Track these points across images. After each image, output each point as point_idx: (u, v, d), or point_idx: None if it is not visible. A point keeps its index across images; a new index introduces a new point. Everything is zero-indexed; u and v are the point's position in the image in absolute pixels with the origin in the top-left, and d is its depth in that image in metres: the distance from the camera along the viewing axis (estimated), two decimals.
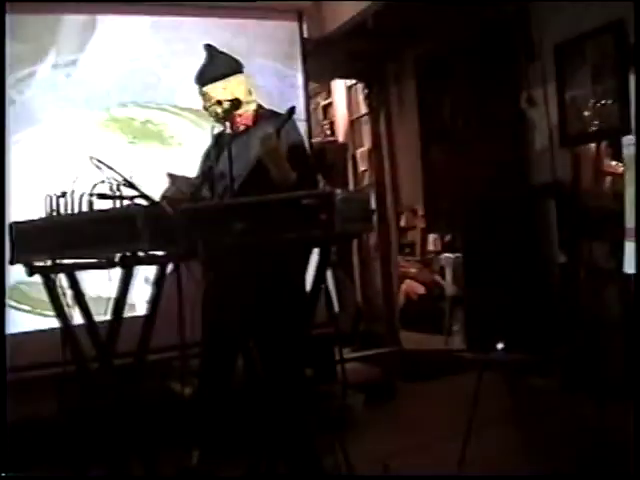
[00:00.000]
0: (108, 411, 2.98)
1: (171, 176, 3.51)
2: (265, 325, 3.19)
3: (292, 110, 3.32)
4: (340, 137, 7.97)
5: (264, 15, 5.19)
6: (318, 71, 6.17)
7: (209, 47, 3.68)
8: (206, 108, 3.63)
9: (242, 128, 3.61)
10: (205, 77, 3.62)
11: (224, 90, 3.57)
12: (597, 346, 4.39)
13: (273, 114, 3.59)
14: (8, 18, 4.19)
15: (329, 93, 8.14)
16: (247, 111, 3.62)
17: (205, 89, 3.60)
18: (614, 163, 4.76)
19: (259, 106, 3.69)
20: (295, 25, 5.38)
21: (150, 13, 4.94)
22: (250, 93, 3.66)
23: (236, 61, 3.68)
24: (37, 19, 4.62)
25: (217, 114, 3.53)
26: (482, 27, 5.72)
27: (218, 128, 3.53)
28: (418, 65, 6.60)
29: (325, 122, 8.23)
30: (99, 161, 2.84)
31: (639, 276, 3.31)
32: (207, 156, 3.63)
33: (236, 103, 3.50)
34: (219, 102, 3.52)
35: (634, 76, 4.18)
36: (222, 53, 3.69)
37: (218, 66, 3.63)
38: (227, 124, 3.51)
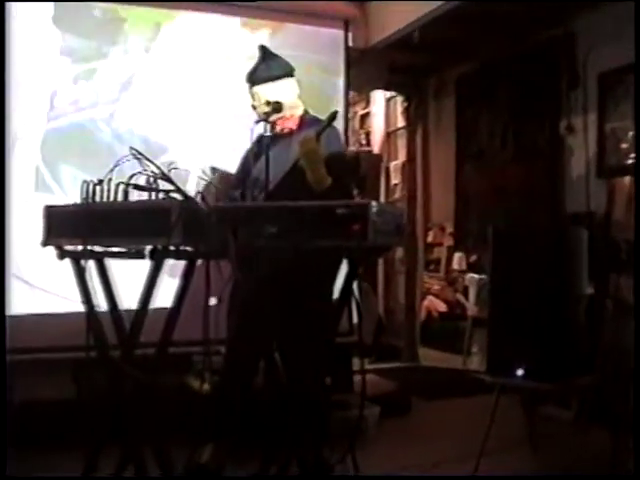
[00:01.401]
0: (125, 399, 2.99)
1: (214, 170, 3.54)
2: (290, 331, 3.19)
3: (334, 115, 3.34)
4: (375, 148, 7.98)
5: (312, 21, 5.20)
6: (359, 81, 6.17)
7: (263, 48, 3.72)
8: (254, 107, 3.65)
9: (286, 131, 3.63)
10: (257, 77, 3.65)
11: (274, 92, 3.60)
12: (618, 380, 4.35)
13: (317, 121, 3.61)
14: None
15: (367, 103, 8.16)
16: (293, 115, 3.65)
17: (255, 89, 3.63)
18: None
19: (305, 111, 3.71)
20: (341, 33, 5.39)
21: (193, 9, 4.97)
22: (298, 97, 3.69)
23: (288, 64, 3.71)
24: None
25: (265, 114, 3.55)
26: (527, 50, 5.71)
27: (258, 130, 3.55)
28: (459, 83, 6.61)
29: (361, 132, 8.24)
30: (138, 152, 2.86)
31: None
32: (247, 157, 3.65)
33: (277, 107, 3.52)
34: (268, 103, 3.55)
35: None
36: (275, 55, 3.72)
37: (271, 67, 3.66)
38: (269, 126, 3.52)
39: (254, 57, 3.74)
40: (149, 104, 4.81)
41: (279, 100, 3.56)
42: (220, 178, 3.55)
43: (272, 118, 3.52)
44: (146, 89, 4.81)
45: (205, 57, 4.94)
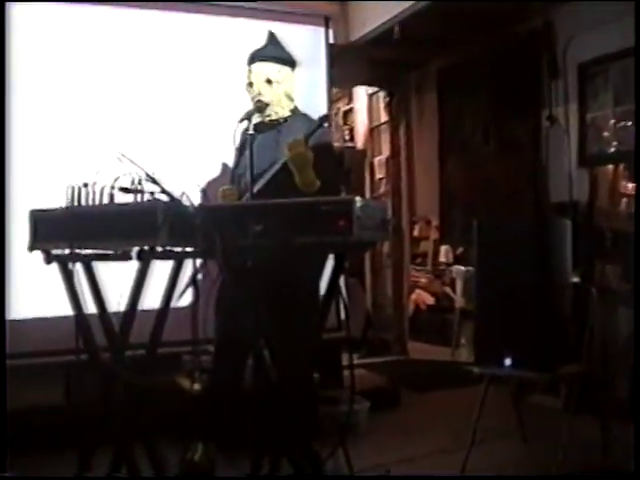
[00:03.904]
0: (116, 401, 3.00)
1: (224, 166, 3.58)
2: (278, 327, 3.20)
3: (324, 119, 3.37)
4: (359, 143, 8.01)
5: (291, 19, 5.21)
6: (341, 77, 6.19)
7: (272, 33, 3.76)
8: (251, 84, 3.66)
9: (273, 119, 3.64)
10: (264, 54, 3.68)
11: (277, 73, 3.63)
12: (605, 367, 4.39)
13: (305, 116, 3.64)
14: None
15: (350, 99, 8.19)
16: (286, 105, 3.67)
17: (258, 65, 3.64)
18: (630, 185, 4.76)
19: (295, 107, 3.74)
20: (321, 30, 5.40)
21: (170, 9, 4.96)
22: (294, 91, 3.73)
23: (292, 56, 3.76)
24: None
25: (260, 93, 3.57)
26: (507, 42, 5.74)
27: (242, 125, 3.56)
28: (441, 77, 6.63)
29: (345, 127, 8.26)
30: (122, 155, 2.87)
31: None
32: (239, 151, 3.69)
33: (261, 105, 3.56)
34: (269, 81, 3.58)
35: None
36: (281, 44, 3.77)
37: (280, 50, 3.72)
38: (253, 118, 3.53)
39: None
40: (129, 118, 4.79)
41: (267, 101, 3.59)
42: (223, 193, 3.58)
43: (255, 118, 3.53)
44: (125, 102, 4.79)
45: (181, 57, 4.92)
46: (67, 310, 3.17)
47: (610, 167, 4.96)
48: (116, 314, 3.08)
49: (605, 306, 4.40)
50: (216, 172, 4.51)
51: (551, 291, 3.85)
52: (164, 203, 2.75)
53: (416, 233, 7.15)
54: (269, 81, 3.59)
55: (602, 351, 4.35)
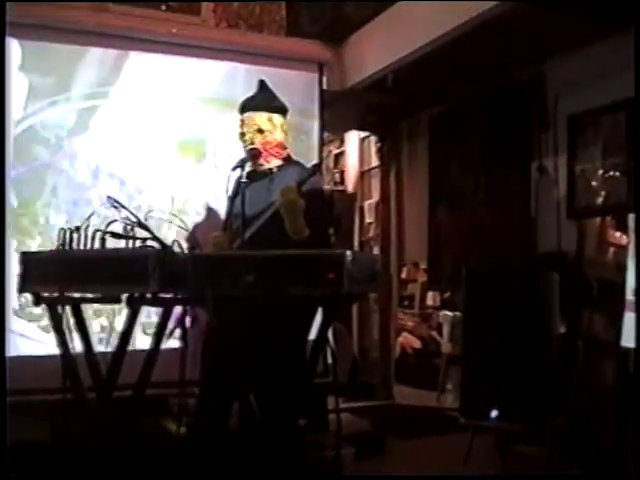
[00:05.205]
0: (102, 442, 3.00)
1: (209, 209, 3.59)
2: (264, 376, 3.21)
3: (316, 167, 3.40)
4: (349, 187, 8.04)
5: (285, 64, 5.27)
6: (333, 122, 6.24)
7: (262, 82, 3.80)
8: (243, 134, 3.68)
9: (265, 168, 3.67)
10: (255, 103, 3.71)
11: (268, 122, 3.65)
12: (591, 417, 4.39)
13: (298, 164, 3.67)
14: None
15: (342, 142, 8.22)
16: (278, 153, 3.69)
17: (249, 114, 3.67)
18: (618, 234, 4.80)
19: (288, 154, 3.76)
20: (315, 76, 5.47)
21: (167, 52, 5.03)
22: (285, 139, 3.74)
23: (284, 103, 3.79)
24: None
25: (252, 142, 3.61)
26: (498, 92, 5.80)
27: (235, 173, 3.60)
28: (432, 125, 6.68)
29: (335, 170, 8.29)
30: (115, 201, 2.89)
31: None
32: (232, 199, 3.71)
33: (255, 152, 3.59)
34: (260, 130, 3.61)
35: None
36: (272, 91, 3.80)
37: (271, 98, 3.76)
38: (246, 166, 3.56)
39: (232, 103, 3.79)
40: (122, 142, 4.84)
41: (259, 149, 3.61)
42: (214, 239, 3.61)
43: (247, 166, 3.56)
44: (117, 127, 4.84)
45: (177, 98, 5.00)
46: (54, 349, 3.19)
47: (598, 219, 4.99)
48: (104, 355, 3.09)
49: (591, 357, 4.42)
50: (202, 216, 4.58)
51: (539, 343, 3.88)
52: (155, 250, 2.76)
53: (404, 275, 7.16)
54: (260, 130, 3.62)
55: (588, 401, 4.35)
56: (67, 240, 2.95)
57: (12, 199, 4.50)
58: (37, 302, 3.11)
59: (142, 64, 4.92)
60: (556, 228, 5.19)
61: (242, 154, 3.67)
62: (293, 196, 3.29)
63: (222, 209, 3.92)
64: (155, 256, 2.69)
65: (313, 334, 3.29)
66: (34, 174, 4.63)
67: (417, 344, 6.95)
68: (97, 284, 2.89)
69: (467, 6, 4.54)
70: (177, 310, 2.93)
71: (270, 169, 3.66)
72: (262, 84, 3.80)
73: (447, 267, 6.41)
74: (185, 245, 2.91)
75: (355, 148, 7.99)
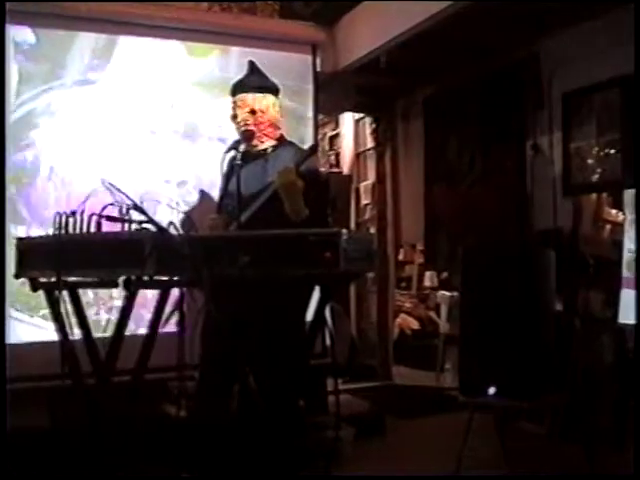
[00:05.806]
0: (101, 428, 3.00)
1: (202, 193, 3.59)
2: (263, 357, 3.21)
3: (314, 148, 3.39)
4: (345, 169, 8.03)
5: (279, 47, 5.25)
6: (328, 104, 6.23)
7: (252, 63, 3.80)
8: (235, 116, 3.68)
9: (259, 149, 3.66)
10: (246, 84, 3.71)
11: (260, 102, 3.65)
12: (589, 395, 4.41)
13: (292, 144, 3.67)
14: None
15: (337, 124, 8.20)
16: (272, 133, 3.69)
17: (241, 96, 3.67)
18: (614, 212, 4.81)
19: (281, 135, 3.76)
20: (309, 58, 5.45)
21: (160, 36, 5.00)
22: (279, 119, 3.74)
23: (275, 83, 3.79)
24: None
25: (246, 123, 3.60)
26: (492, 71, 5.80)
27: (229, 154, 3.59)
28: (427, 105, 6.68)
29: (331, 153, 8.28)
30: (110, 184, 2.89)
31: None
32: (226, 181, 3.71)
33: (249, 134, 3.58)
34: (253, 111, 3.60)
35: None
36: (263, 72, 3.80)
37: (262, 79, 3.75)
38: (240, 147, 3.56)
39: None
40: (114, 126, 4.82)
41: (252, 130, 3.60)
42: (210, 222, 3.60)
43: (241, 147, 3.56)
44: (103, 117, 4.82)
45: (161, 81, 4.98)
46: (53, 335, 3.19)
47: (593, 196, 5.00)
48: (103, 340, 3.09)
49: (588, 334, 4.43)
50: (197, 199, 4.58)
51: (536, 320, 3.87)
52: (151, 233, 2.76)
53: (401, 257, 7.17)
54: (253, 111, 3.62)
55: (585, 379, 4.37)
56: (62, 225, 2.95)
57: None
58: (34, 287, 3.11)
59: (134, 48, 4.89)
60: (552, 206, 5.20)
61: (236, 136, 3.67)
62: (292, 177, 3.29)
63: (217, 193, 3.91)
64: (151, 238, 2.69)
65: (310, 315, 3.30)
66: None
67: (415, 325, 6.97)
68: (93, 268, 2.89)
69: None
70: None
71: (264, 150, 3.66)
72: (252, 65, 3.79)
73: (444, 247, 6.43)
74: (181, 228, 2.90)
75: (350, 130, 7.98)
